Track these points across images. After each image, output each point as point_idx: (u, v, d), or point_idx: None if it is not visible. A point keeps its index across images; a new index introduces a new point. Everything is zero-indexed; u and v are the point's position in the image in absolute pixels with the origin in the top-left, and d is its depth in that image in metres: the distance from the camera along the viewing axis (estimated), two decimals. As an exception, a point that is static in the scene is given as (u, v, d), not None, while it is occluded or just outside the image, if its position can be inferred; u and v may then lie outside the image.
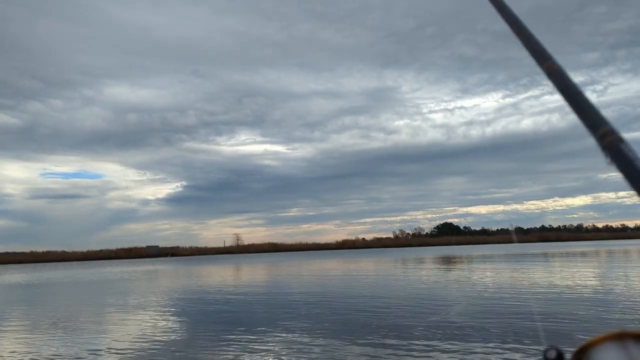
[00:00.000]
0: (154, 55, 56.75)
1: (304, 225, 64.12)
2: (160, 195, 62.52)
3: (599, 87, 53.79)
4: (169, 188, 64.08)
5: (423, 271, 10.44)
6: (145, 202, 60.55)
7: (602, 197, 61.68)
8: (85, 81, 53.51)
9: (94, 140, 56.55)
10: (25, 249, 44.16)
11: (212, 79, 57.95)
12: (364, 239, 52.32)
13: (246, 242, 51.03)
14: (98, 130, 53.58)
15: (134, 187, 61.16)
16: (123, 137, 56.69)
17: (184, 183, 63.18)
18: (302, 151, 62.56)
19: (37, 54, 48.91)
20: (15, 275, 17.12)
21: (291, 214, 64.79)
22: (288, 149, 62.17)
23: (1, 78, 48.06)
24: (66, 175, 62.33)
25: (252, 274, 11.81)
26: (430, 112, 59.18)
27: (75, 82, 53.07)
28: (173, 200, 61.73)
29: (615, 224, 57.41)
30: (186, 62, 56.47)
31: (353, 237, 52.31)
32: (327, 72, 58.53)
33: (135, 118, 55.66)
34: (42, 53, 49.29)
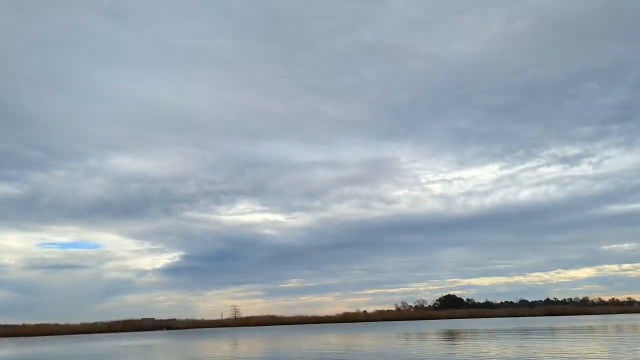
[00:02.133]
0: (157, 127, 58.07)
1: (303, 297, 62.89)
2: (158, 266, 61.75)
3: (594, 160, 54.59)
4: (167, 258, 63.50)
5: (426, 347, 10.06)
6: (142, 272, 59.73)
7: (606, 269, 60.92)
8: (90, 152, 54.44)
9: (94, 210, 56.66)
10: (18, 321, 43.06)
11: (213, 150, 58.94)
12: (365, 311, 51.15)
13: (244, 315, 49.83)
14: (99, 200, 53.81)
15: (131, 258, 60.58)
16: (123, 206, 56.84)
17: (182, 253, 62.58)
18: (301, 220, 62.55)
19: (43, 126, 50.11)
20: (4, 350, 16.51)
21: (290, 285, 63.71)
22: (288, 218, 62.19)
23: (7, 149, 48.87)
24: (63, 245, 61.87)
25: (250, 350, 11.37)
26: (429, 182, 59.70)
27: (80, 153, 54.00)
28: (170, 270, 60.89)
29: (622, 297, 56.40)
30: (188, 133, 57.70)
31: (354, 310, 51.19)
32: (326, 144, 59.67)
33: (136, 188, 56.07)
34: (49, 125, 50.49)
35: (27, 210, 54.80)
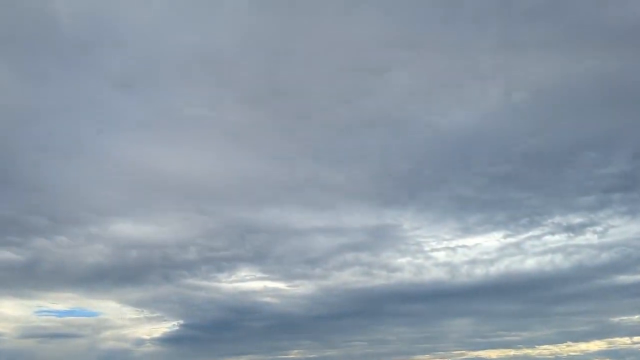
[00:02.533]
0: (160, 193, 58.26)
1: (304, 370, 60.60)
2: (156, 335, 59.91)
3: (599, 229, 53.88)
4: (166, 327, 61.71)
5: None
6: (140, 342, 57.93)
7: (617, 342, 58.65)
8: (92, 218, 54.32)
9: (94, 276, 55.76)
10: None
11: (214, 216, 58.73)
12: (368, 386, 49.16)
13: (243, 389, 47.98)
14: (98, 266, 53.17)
15: (129, 326, 59.15)
16: (123, 273, 56.00)
17: (181, 322, 60.89)
18: (302, 288, 61.15)
19: (49, 192, 50.38)
20: None
21: (291, 356, 61.25)
22: (289, 286, 60.85)
23: (12, 216, 48.91)
24: (60, 313, 60.44)
25: None
26: (432, 250, 58.77)
27: (82, 219, 53.80)
28: (169, 340, 58.99)
29: (636, 372, 53.99)
30: (191, 199, 57.70)
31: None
32: (328, 210, 59.38)
33: (137, 254, 55.34)
34: (54, 192, 50.75)
35: (27, 277, 53.90)
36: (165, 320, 72.84)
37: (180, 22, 43.22)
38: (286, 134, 53.76)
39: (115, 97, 46.22)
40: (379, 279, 65.81)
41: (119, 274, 58.75)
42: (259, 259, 63.57)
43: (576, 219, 56.85)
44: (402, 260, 66.33)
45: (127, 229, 58.68)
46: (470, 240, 67.59)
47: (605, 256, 54.47)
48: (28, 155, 47.61)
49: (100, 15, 40.73)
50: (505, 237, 63.59)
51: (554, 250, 59.04)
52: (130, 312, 64.35)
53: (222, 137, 53.17)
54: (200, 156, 56.07)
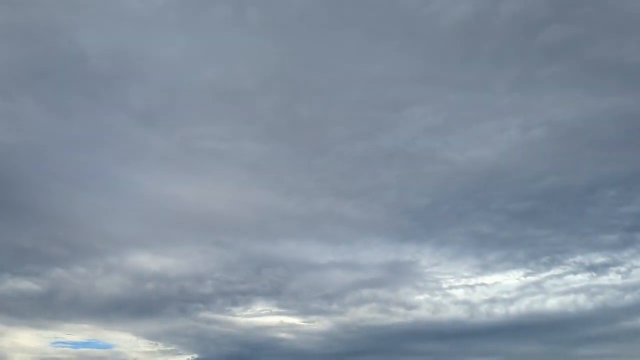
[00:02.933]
0: (178, 226, 58.59)
1: (321, 413, 59.08)
2: (170, 370, 59.39)
3: (622, 269, 52.45)
4: (180, 362, 61.18)
5: None
6: (154, 377, 57.39)
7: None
8: (111, 250, 54.74)
9: (110, 308, 55.74)
10: None
11: (232, 250, 58.70)
12: None
13: None
14: (115, 298, 53.20)
15: (144, 359, 58.58)
16: (139, 305, 55.94)
17: (196, 356, 60.06)
18: (319, 325, 60.21)
19: (69, 224, 51.07)
20: None
21: (306, 396, 60.26)
22: (305, 322, 59.99)
23: (32, 246, 49.58)
24: (76, 345, 60.19)
25: None
26: (451, 287, 57.68)
27: (101, 250, 54.27)
28: (182, 376, 58.44)
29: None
30: (209, 233, 57.88)
31: None
32: (345, 245, 58.99)
33: (153, 286, 55.36)
34: (74, 223, 51.41)
35: (44, 308, 54.07)
36: (179, 354, 72.01)
37: (202, 57, 44.44)
38: (304, 168, 54.11)
39: (137, 130, 47.32)
40: (397, 317, 64.64)
41: (135, 306, 58.73)
42: (275, 293, 63.06)
43: (599, 259, 55.42)
44: (420, 298, 65.18)
45: (145, 260, 58.97)
46: (489, 279, 66.34)
47: (629, 298, 52.83)
48: (50, 186, 48.60)
49: (124, 51, 42.08)
50: (525, 275, 62.23)
51: (576, 291, 57.45)
52: (145, 346, 63.87)
53: (241, 170, 53.70)
54: (219, 189, 56.58)
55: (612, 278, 54.39)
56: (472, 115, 45.89)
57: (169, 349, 65.09)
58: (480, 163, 48.09)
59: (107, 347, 60.75)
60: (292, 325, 64.30)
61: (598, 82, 41.74)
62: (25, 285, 49.97)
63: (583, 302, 55.08)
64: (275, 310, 66.63)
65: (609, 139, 45.38)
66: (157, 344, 64.01)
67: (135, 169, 51.63)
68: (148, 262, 57.22)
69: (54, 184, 48.56)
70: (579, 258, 54.49)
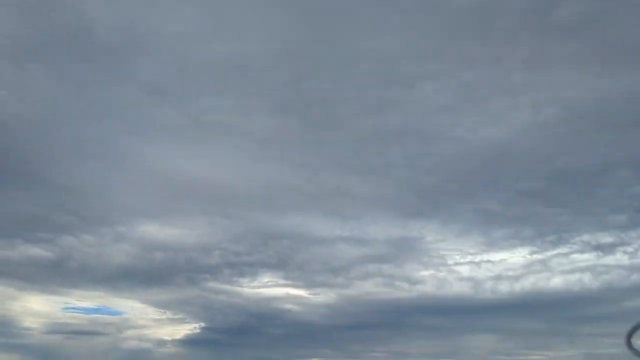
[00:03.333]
0: (187, 198, 59.08)
1: (324, 380, 60.49)
2: (178, 337, 60.58)
3: (629, 249, 52.40)
4: (187, 329, 62.40)
5: None
6: (162, 342, 58.71)
7: (646, 367, 56.99)
8: (119, 219, 55.45)
9: (119, 276, 56.85)
10: (33, 388, 42.70)
11: (239, 221, 59.26)
12: (386, 399, 48.86)
13: (261, 395, 48.26)
14: (123, 267, 54.20)
15: (152, 326, 60.02)
16: (147, 274, 57.01)
17: (203, 324, 61.46)
18: (324, 297, 61.10)
19: (79, 193, 51.67)
20: None
21: (311, 364, 61.60)
22: (310, 294, 60.90)
23: (43, 214, 50.32)
24: (87, 311, 61.71)
25: None
26: (456, 264, 58.12)
27: (109, 220, 55.03)
28: (190, 342, 59.56)
29: (664, 397, 52.24)
30: (216, 204, 58.37)
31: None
32: (352, 220, 59.30)
33: (161, 256, 56.34)
34: (84, 193, 52.00)
35: (54, 274, 55.25)
36: (187, 322, 73.58)
37: (211, 30, 44.05)
38: (312, 143, 54.08)
39: (146, 102, 47.33)
40: (401, 291, 65.37)
41: (143, 275, 59.83)
42: (282, 265, 63.90)
43: (606, 238, 55.43)
44: (425, 273, 65.68)
45: (153, 230, 59.83)
46: (495, 256, 66.57)
47: (635, 277, 52.96)
48: (59, 156, 49.14)
49: (133, 24, 41.81)
50: (531, 253, 62.32)
51: (582, 269, 57.60)
52: (153, 313, 65.45)
53: (249, 143, 53.77)
54: (227, 162, 56.81)
55: (619, 258, 54.40)
56: (484, 94, 45.37)
57: (177, 317, 66.53)
58: (491, 142, 47.76)
59: (116, 313, 62.20)
60: (297, 297, 65.24)
61: (612, 61, 40.95)
62: (36, 251, 51.00)
63: (588, 280, 55.29)
64: (281, 281, 67.60)
65: (622, 120, 44.78)
66: (165, 312, 65.39)
67: (144, 140, 51.92)
68: (156, 232, 58.08)
69: (63, 155, 49.05)
70: (585, 237, 54.54)
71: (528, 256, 60.13)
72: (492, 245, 62.26)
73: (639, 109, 42.17)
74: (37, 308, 59.16)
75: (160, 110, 48.33)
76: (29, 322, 56.61)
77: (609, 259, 55.93)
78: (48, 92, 43.18)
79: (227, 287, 63.47)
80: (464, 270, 63.16)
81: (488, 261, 63.52)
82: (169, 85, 46.98)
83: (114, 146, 51.15)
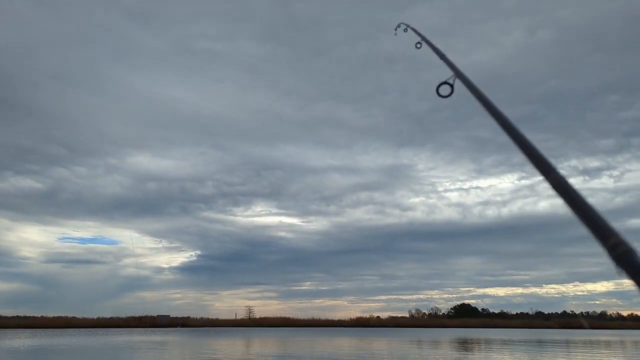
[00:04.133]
0: (177, 128, 58.69)
1: (317, 300, 62.76)
2: (175, 264, 62.27)
3: (615, 173, 53.45)
4: (184, 257, 63.99)
5: (439, 355, 10.12)
6: (159, 270, 60.34)
7: (625, 283, 57.57)
8: (109, 150, 55.09)
9: (113, 207, 57.36)
10: (37, 313, 43.91)
11: (231, 152, 59.33)
12: (378, 317, 50.92)
13: (258, 315, 50.22)
14: (117, 197, 54.43)
15: (148, 255, 61.23)
16: (142, 204, 57.51)
17: (199, 252, 63.02)
18: (317, 224, 62.55)
19: (66, 123, 50.89)
20: (22, 340, 16.88)
21: (304, 287, 63.74)
22: (303, 222, 62.24)
23: (31, 145, 49.67)
24: (83, 241, 62.77)
25: (264, 350, 11.51)
26: (446, 190, 59.30)
27: (100, 150, 54.75)
28: (187, 269, 61.38)
29: (641, 312, 55.33)
30: (208, 135, 58.17)
31: (367, 315, 51.07)
32: (344, 149, 59.56)
33: (155, 187, 56.66)
34: (71, 122, 51.27)
35: (48, 205, 55.64)
36: (183, 251, 75.22)
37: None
38: (303, 71, 53.07)
39: (130, 28, 45.63)
40: (392, 217, 66.69)
41: (137, 205, 60.34)
42: (275, 194, 64.69)
43: (593, 163, 56.45)
44: (415, 200, 67.02)
45: (145, 161, 59.73)
46: (484, 182, 67.74)
47: (619, 200, 54.48)
48: (43, 85, 47.73)
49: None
50: (519, 179, 63.38)
51: (568, 194, 58.59)
52: (149, 242, 66.68)
53: (238, 71, 52.81)
54: (216, 91, 55.92)
55: (604, 181, 55.52)
56: (477, 16, 44.13)
57: (173, 245, 67.96)
58: (484, 66, 46.85)
59: (113, 243, 63.26)
60: (290, 225, 66.57)
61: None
62: (27, 183, 50.86)
63: (573, 204, 56.79)
64: (275, 210, 68.75)
65: (616, 42, 44.15)
66: (161, 241, 66.58)
67: (129, 68, 50.62)
68: (147, 162, 58.00)
69: (47, 83, 47.68)
70: (573, 162, 55.36)
71: (516, 182, 61.09)
72: (481, 172, 63.18)
73: (634, 30, 41.61)
74: (33, 238, 59.93)
75: (144, 36, 46.65)
76: (27, 252, 57.52)
77: (595, 183, 57.14)
78: (27, 17, 41.41)
79: (222, 216, 64.47)
80: (454, 197, 64.42)
81: (477, 187, 64.49)
82: (153, 11, 45.18)
83: (97, 74, 49.77)
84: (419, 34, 1.64)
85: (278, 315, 49.71)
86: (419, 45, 1.62)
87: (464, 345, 14.34)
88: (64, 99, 49.31)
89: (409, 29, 1.91)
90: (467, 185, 63.86)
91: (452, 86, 1.11)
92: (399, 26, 2.12)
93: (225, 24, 47.37)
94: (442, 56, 1.30)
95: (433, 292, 67.05)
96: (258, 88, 53.27)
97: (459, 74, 1.10)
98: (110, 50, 48.05)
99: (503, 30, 46.06)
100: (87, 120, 52.94)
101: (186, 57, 49.91)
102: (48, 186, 51.83)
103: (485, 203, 60.77)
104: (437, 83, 1.11)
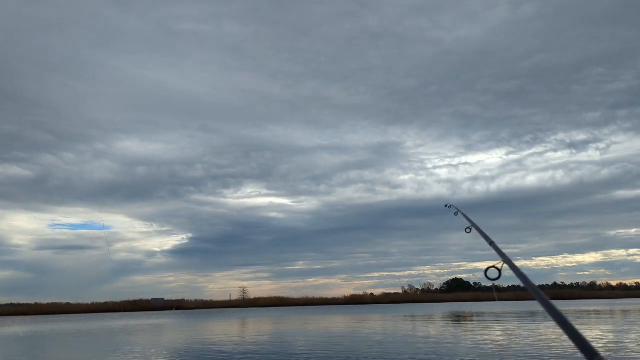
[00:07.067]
0: (164, 111, 58.05)
1: (310, 279, 63.27)
2: (167, 247, 62.32)
3: (601, 145, 53.83)
4: (175, 240, 64.02)
5: (432, 329, 10.23)
6: (152, 254, 60.36)
7: (613, 254, 60.62)
8: (97, 135, 54.52)
9: (102, 192, 56.93)
10: (30, 300, 43.99)
11: (220, 134, 58.92)
12: (372, 294, 51.45)
13: (252, 296, 50.64)
14: (107, 183, 54.01)
15: (140, 239, 61.11)
16: (131, 189, 57.18)
17: (190, 235, 63.05)
18: (307, 204, 62.67)
19: (51, 109, 50.15)
20: (17, 327, 16.88)
21: (297, 267, 64.12)
22: (293, 202, 62.32)
23: (17, 132, 48.96)
24: (74, 227, 62.51)
25: (258, 330, 11.59)
26: (435, 167, 59.49)
27: (87, 136, 54.12)
28: (179, 252, 61.46)
29: (630, 282, 56.33)
30: (195, 117, 57.61)
31: (361, 292, 51.56)
32: (332, 128, 59.38)
33: (144, 171, 56.28)
34: (56, 108, 50.54)
35: (37, 192, 55.16)
36: (174, 234, 75.24)
37: None
38: (288, 50, 52.46)
39: (111, 11, 44.71)
40: (382, 195, 66.84)
41: (127, 190, 59.91)
42: (264, 176, 64.55)
43: (579, 136, 56.70)
44: (404, 177, 67.15)
45: (133, 146, 59.21)
46: (472, 158, 67.96)
47: (606, 172, 54.94)
48: (25, 70, 46.82)
49: None
50: (507, 154, 63.65)
51: (555, 167, 59.24)
52: (140, 226, 66.51)
53: (223, 52, 52.00)
54: (202, 73, 55.22)
55: (591, 154, 55.93)
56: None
57: (164, 229, 67.90)
58: (468, 41, 46.87)
59: (104, 228, 63.08)
60: (281, 205, 66.57)
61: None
62: (15, 170, 50.27)
63: (560, 177, 57.13)
64: (265, 191, 68.73)
65: (601, 15, 44.01)
66: (152, 225, 66.46)
67: (112, 52, 49.67)
68: (135, 147, 57.43)
69: (28, 68, 46.78)
70: (560, 135, 55.70)
71: (504, 157, 61.29)
72: (470, 147, 63.33)
73: (617, 5, 41.49)
74: (24, 226, 59.57)
75: (126, 19, 45.72)
76: (18, 240, 57.22)
77: (582, 156, 57.61)
78: (10, 2, 40.52)
79: (212, 198, 64.30)
80: (443, 173, 64.63)
81: (466, 163, 64.56)
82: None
83: (79, 59, 48.73)
84: (469, 220, 1.71)
85: (272, 295, 50.04)
86: (468, 230, 1.70)
87: (458, 319, 14.53)
88: (48, 85, 48.49)
89: (459, 213, 1.98)
90: (455, 161, 64.12)
91: (499, 271, 1.19)
92: (449, 207, 2.23)
93: (209, 4, 46.54)
94: (491, 242, 1.36)
95: (425, 268, 67.83)
96: (244, 69, 52.64)
97: (507, 261, 1.18)
98: (94, 34, 47.06)
99: (487, 5, 45.77)
100: (73, 105, 52.23)
101: (170, 39, 49.06)
102: (36, 173, 51.33)
103: (474, 179, 61.13)
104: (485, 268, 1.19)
